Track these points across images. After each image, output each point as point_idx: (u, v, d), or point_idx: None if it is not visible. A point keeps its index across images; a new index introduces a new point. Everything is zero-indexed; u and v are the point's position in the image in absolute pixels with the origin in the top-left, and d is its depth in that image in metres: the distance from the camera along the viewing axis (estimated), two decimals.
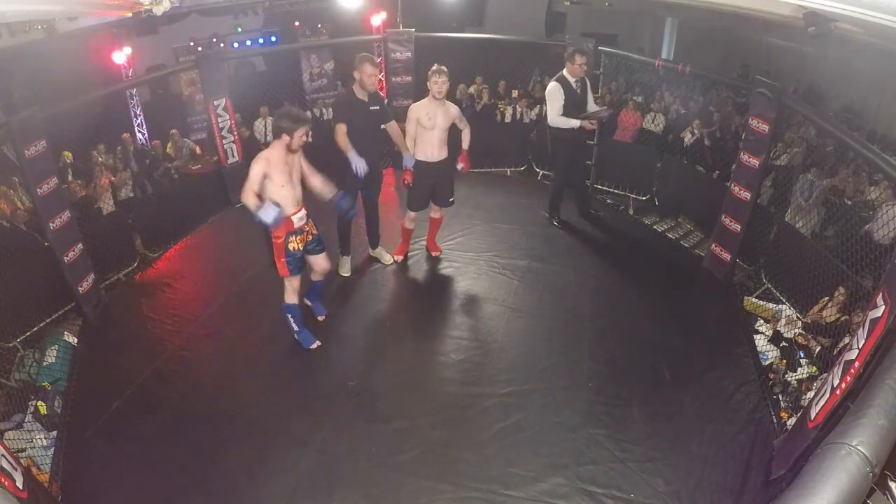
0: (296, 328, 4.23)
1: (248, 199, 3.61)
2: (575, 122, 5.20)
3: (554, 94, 5.23)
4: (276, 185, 3.70)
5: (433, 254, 5.27)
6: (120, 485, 3.35)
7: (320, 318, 4.51)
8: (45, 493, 3.13)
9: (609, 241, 5.69)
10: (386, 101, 6.51)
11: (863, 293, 4.00)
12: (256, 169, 3.63)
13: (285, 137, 3.65)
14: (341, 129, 4.34)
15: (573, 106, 5.23)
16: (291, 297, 4.11)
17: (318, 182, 3.99)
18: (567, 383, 3.99)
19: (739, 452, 3.53)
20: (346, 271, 5.04)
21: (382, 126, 4.61)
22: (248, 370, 4.13)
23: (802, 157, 5.91)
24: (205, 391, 3.99)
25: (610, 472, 3.37)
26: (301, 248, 3.95)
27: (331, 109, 5.23)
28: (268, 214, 3.58)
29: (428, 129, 4.58)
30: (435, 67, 4.53)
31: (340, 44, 8.57)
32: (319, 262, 4.16)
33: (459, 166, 4.76)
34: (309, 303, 4.51)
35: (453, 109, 4.66)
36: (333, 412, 3.78)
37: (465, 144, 4.80)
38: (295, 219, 3.83)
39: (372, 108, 4.53)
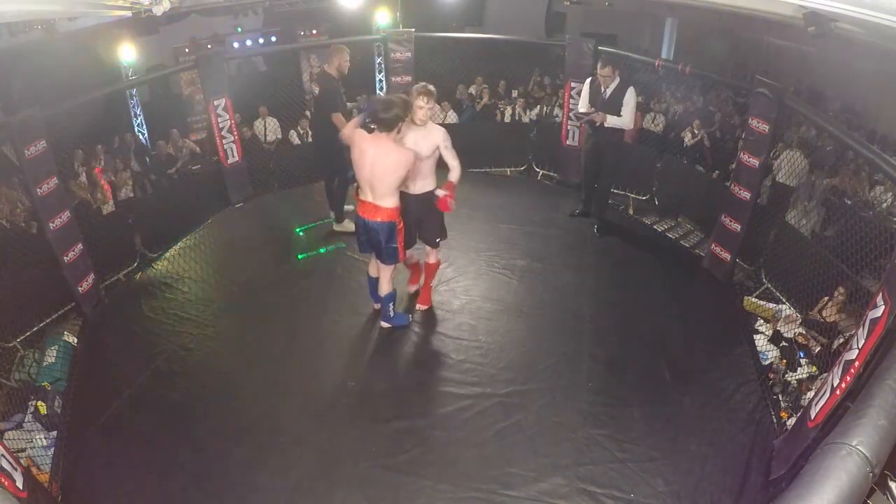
0: (392, 314, 4.34)
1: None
2: (581, 109, 5.42)
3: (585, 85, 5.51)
4: None
5: (419, 306, 4.59)
6: (120, 485, 3.35)
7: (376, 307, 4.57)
8: (45, 493, 3.13)
9: (609, 240, 5.68)
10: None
11: (863, 293, 4.01)
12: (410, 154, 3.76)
13: (400, 124, 3.70)
14: (341, 119, 4.91)
15: (593, 104, 5.34)
16: (391, 285, 4.21)
17: None
18: (567, 383, 3.98)
19: (739, 452, 3.53)
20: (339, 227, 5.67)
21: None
22: (247, 370, 4.13)
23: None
24: (205, 391, 3.98)
25: (610, 472, 3.37)
26: None
27: (320, 98, 5.39)
28: None
29: None
30: (420, 87, 3.84)
31: (340, 44, 8.57)
32: None
33: (441, 192, 3.97)
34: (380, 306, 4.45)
35: (437, 134, 3.92)
36: (333, 412, 3.78)
37: (454, 178, 4.04)
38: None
39: (342, 90, 5.23)
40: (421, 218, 4.20)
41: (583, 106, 5.40)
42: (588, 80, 5.44)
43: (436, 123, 4.20)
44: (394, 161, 3.67)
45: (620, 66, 5.36)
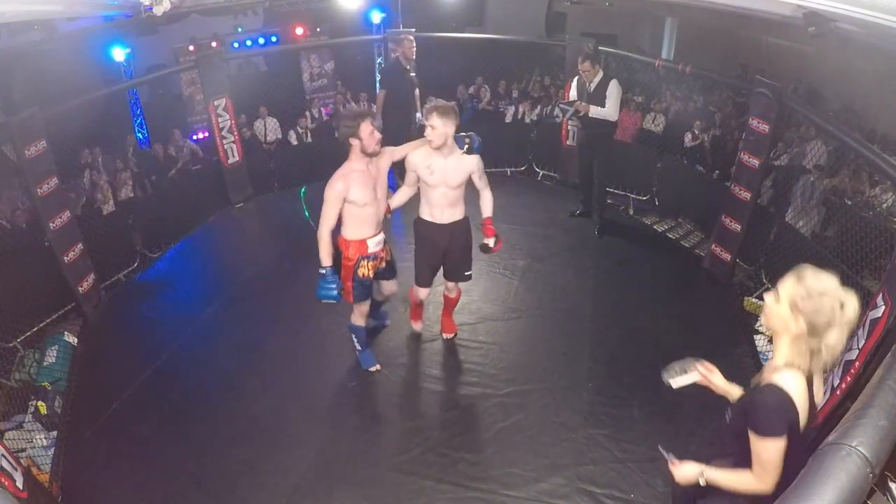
0: (359, 347, 3.99)
1: (324, 235, 3.26)
2: (570, 107, 5.46)
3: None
4: (359, 205, 3.29)
5: (445, 335, 4.32)
6: (120, 485, 3.35)
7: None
8: (45, 493, 3.13)
9: (609, 240, 5.69)
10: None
11: (862, 293, 4.00)
12: (333, 193, 3.20)
13: (354, 142, 3.24)
14: (382, 96, 5.75)
15: (580, 99, 5.44)
16: (358, 320, 3.84)
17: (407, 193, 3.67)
18: (567, 383, 3.98)
19: None
20: None
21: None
22: (248, 370, 4.13)
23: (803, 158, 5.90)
24: (205, 391, 3.98)
25: (610, 472, 3.37)
26: (371, 276, 3.59)
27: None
28: (327, 289, 3.30)
29: (432, 186, 3.56)
30: (431, 105, 3.35)
31: (340, 44, 8.60)
32: (388, 286, 3.89)
33: (490, 241, 3.68)
34: (374, 322, 4.22)
35: (467, 163, 3.50)
36: (333, 412, 3.78)
37: (488, 211, 3.67)
38: (371, 243, 3.47)
39: (411, 74, 5.89)
40: (448, 251, 3.76)
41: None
42: (575, 78, 5.56)
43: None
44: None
45: (600, 60, 5.58)
